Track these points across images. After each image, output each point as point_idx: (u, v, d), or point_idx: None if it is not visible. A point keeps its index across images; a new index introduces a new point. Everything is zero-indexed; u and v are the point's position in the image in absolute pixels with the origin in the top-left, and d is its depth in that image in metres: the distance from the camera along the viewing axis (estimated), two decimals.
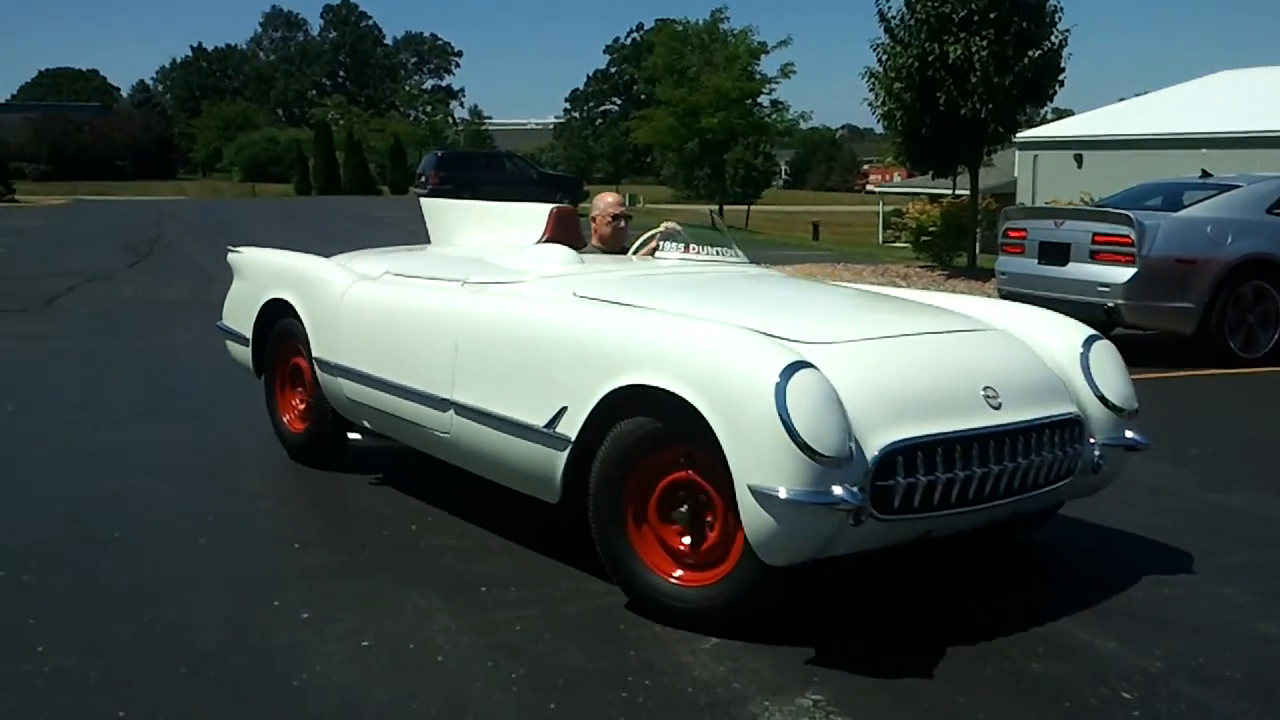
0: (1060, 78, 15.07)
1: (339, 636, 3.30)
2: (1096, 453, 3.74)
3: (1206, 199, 8.95)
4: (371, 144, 53.46)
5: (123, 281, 13.15)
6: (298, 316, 5.07)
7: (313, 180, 46.67)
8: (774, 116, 31.21)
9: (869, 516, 3.14)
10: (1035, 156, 25.12)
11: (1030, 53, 14.42)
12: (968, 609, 3.64)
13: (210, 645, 3.23)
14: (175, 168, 65.35)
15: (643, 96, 62.00)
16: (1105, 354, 3.99)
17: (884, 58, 14.95)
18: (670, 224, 4.81)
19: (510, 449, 3.86)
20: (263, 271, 5.60)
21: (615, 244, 4.94)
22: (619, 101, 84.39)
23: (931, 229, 16.77)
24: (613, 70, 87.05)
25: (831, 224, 35.56)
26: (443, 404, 4.14)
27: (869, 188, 57.50)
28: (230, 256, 5.82)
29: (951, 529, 3.54)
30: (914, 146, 15.55)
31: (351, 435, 5.05)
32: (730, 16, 30.39)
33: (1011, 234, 9.59)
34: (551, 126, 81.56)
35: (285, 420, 5.37)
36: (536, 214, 4.97)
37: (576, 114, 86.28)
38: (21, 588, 3.68)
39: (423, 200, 5.84)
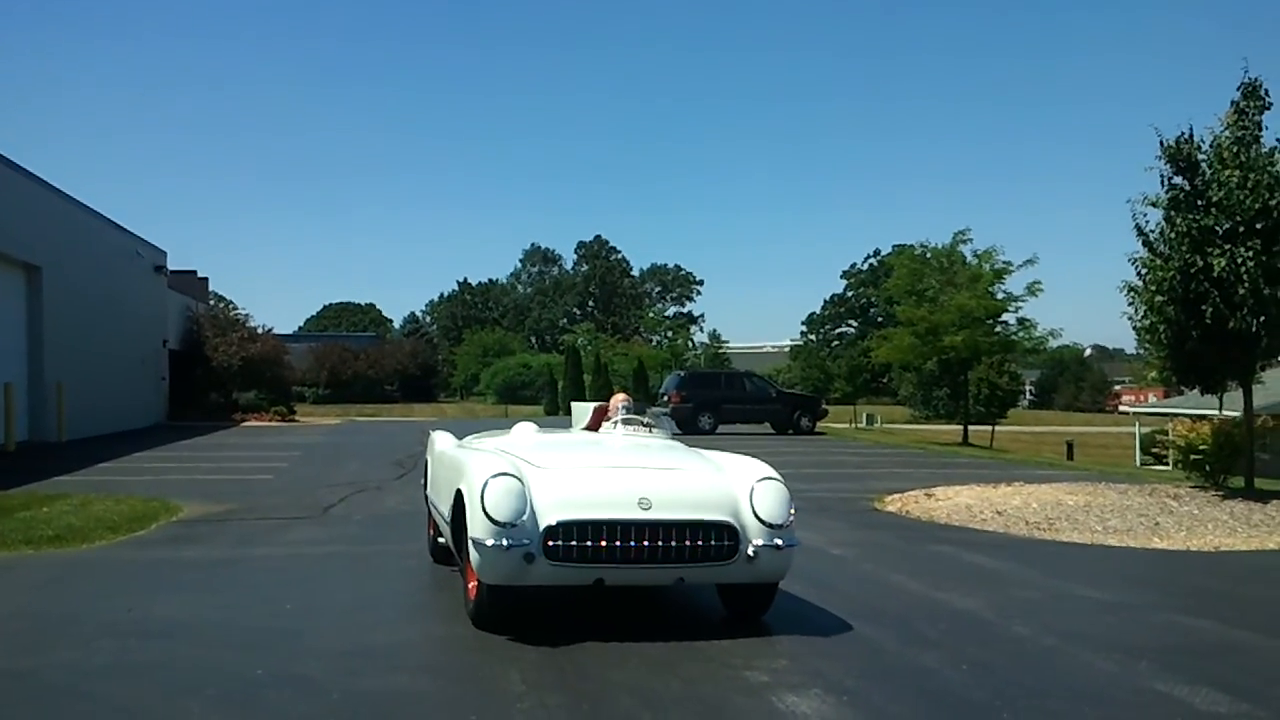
0: None
1: None
2: (750, 549, 5.75)
3: None
4: (616, 367, 55.81)
5: (390, 492, 13.99)
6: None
7: (560, 401, 49.01)
8: (1021, 334, 30.46)
9: (543, 560, 5.48)
10: None
11: None
12: None
13: None
14: (436, 391, 69.84)
15: (879, 319, 62.26)
16: (766, 488, 5.99)
17: (1143, 271, 14.45)
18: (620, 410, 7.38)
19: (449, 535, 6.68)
20: (428, 442, 8.74)
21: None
22: (855, 324, 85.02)
23: (1201, 447, 15.66)
24: (849, 294, 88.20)
25: (1083, 444, 33.65)
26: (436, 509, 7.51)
27: (1122, 408, 54.54)
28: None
29: (623, 580, 5.77)
30: (1179, 361, 14.74)
31: (440, 539, 7.51)
32: (973, 238, 30.40)
33: None
34: (788, 349, 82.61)
35: (430, 534, 8.25)
36: (589, 409, 7.85)
37: (813, 336, 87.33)
38: None
39: (573, 404, 8.65)
